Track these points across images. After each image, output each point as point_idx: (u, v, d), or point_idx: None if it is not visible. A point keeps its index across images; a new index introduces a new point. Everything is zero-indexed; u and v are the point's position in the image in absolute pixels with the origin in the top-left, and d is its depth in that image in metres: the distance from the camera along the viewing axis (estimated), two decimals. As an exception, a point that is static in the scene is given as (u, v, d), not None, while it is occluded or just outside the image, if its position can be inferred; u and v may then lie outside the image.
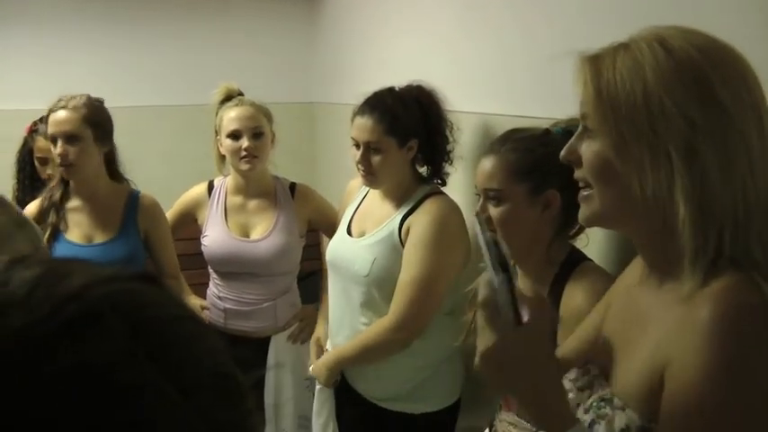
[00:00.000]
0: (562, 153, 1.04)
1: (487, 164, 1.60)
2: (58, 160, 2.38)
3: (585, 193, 1.02)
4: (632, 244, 1.06)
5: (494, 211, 1.58)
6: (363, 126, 2.09)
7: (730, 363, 0.84)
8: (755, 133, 0.90)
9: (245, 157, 2.50)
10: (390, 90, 2.15)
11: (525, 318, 0.97)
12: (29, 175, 2.96)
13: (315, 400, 2.31)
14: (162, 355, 0.46)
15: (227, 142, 2.52)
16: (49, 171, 2.84)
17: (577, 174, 1.02)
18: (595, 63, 0.96)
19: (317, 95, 4.07)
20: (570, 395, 1.09)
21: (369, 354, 2.12)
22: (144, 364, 0.44)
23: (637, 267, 1.11)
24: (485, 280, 1.01)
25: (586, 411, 1.05)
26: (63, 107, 2.38)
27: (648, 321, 1.00)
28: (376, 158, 2.08)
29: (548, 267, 1.58)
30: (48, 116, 2.42)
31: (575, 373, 1.13)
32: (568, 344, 1.25)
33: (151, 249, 2.56)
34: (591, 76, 0.96)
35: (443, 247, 2.02)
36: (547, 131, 1.61)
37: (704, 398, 0.85)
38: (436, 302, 2.04)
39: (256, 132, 2.51)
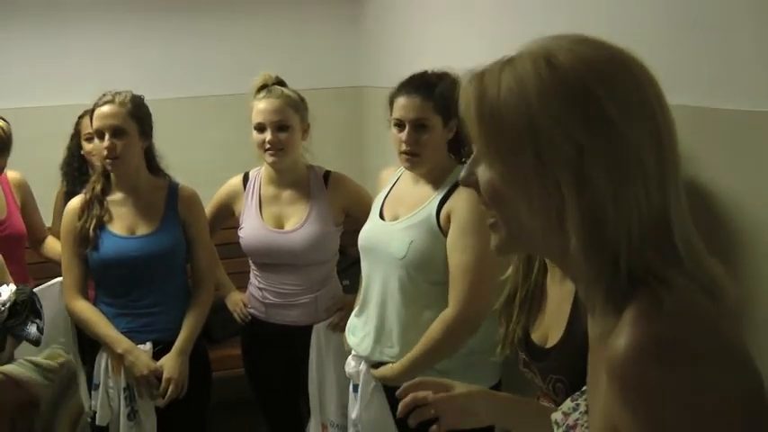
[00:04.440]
0: (461, 176, 0.96)
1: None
2: (104, 153, 2.42)
3: (491, 221, 0.95)
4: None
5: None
6: (410, 104, 2.08)
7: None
8: (650, 145, 0.83)
9: (269, 149, 2.51)
10: (428, 72, 2.15)
11: None
12: (77, 169, 3.04)
13: (360, 391, 2.25)
14: None
15: (254, 134, 2.54)
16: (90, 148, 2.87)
17: (481, 200, 0.95)
18: (480, 80, 0.88)
19: (364, 79, 4.04)
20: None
21: (441, 348, 2.10)
22: None
23: None
24: None
25: None
26: (109, 102, 2.43)
27: (595, 356, 0.94)
28: (424, 137, 2.09)
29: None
30: (93, 111, 2.46)
31: (568, 405, 1.08)
32: None
33: (188, 242, 2.59)
34: (474, 96, 0.87)
35: (488, 229, 1.98)
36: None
37: None
38: (492, 285, 2.01)
39: (280, 126, 2.51)
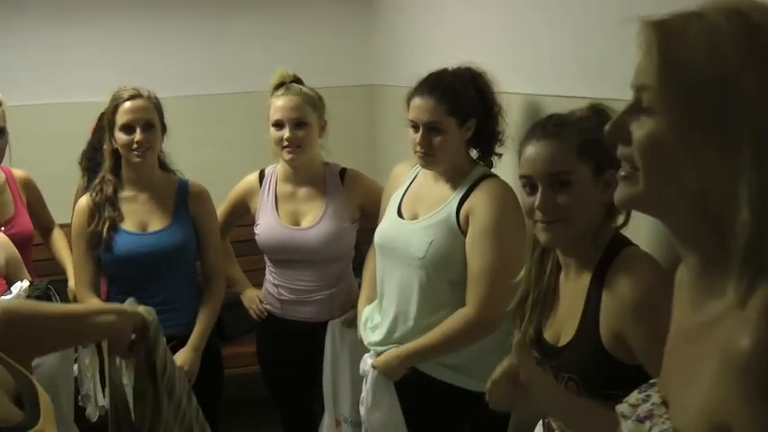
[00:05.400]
0: (607, 129, 0.90)
1: (547, 147, 1.53)
2: (134, 146, 2.42)
3: (625, 172, 0.89)
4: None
5: (561, 197, 1.52)
6: (424, 107, 2.08)
7: None
8: None
9: (286, 146, 2.52)
10: (446, 71, 2.14)
11: None
12: (99, 164, 3.04)
13: (370, 390, 2.25)
14: None
15: (272, 131, 2.55)
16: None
17: (622, 151, 0.89)
18: (664, 29, 0.83)
19: (376, 78, 4.05)
20: (628, 424, 1.01)
21: (452, 344, 2.11)
22: None
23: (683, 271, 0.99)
24: None
25: None
26: (137, 96, 2.44)
27: (698, 344, 0.87)
28: (437, 139, 2.07)
29: (592, 252, 1.53)
30: (115, 106, 2.45)
31: (635, 396, 1.04)
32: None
33: (198, 237, 2.59)
34: (658, 43, 0.82)
35: (509, 231, 2.01)
36: (598, 110, 1.58)
37: None
38: (511, 287, 2.01)
39: (298, 123, 2.51)
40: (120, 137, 2.43)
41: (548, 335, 1.58)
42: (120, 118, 2.43)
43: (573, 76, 2.03)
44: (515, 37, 2.44)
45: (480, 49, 2.55)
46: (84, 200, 2.53)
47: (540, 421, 1.65)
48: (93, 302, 2.43)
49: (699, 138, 0.80)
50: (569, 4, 2.08)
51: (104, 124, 2.79)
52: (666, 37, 0.82)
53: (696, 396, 0.84)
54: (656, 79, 0.82)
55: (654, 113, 0.84)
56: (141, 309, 1.59)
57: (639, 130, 0.86)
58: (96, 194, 2.50)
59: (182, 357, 2.43)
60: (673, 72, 0.81)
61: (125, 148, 2.45)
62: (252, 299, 2.76)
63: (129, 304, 1.64)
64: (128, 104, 2.42)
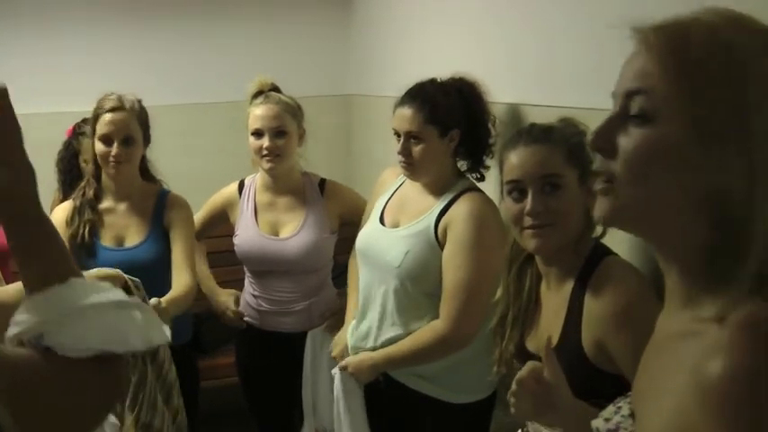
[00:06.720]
0: (592, 139, 0.86)
1: (538, 151, 1.54)
2: (110, 160, 2.38)
3: (602, 186, 0.85)
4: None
5: (552, 201, 1.52)
6: (404, 115, 2.08)
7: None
8: None
9: (266, 155, 2.51)
10: (432, 81, 2.14)
11: None
12: (76, 177, 3.00)
13: (341, 392, 2.26)
14: None
15: (251, 140, 2.54)
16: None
17: (602, 165, 0.85)
18: (667, 32, 0.81)
19: (352, 88, 4.05)
20: None
21: (421, 357, 2.10)
22: None
23: None
24: None
25: None
26: (118, 108, 2.37)
27: (670, 355, 0.85)
28: (417, 148, 2.07)
29: (574, 261, 1.54)
30: (96, 115, 2.40)
31: (609, 410, 1.03)
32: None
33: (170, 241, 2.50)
34: (664, 43, 0.80)
35: (486, 246, 2.00)
36: (572, 122, 1.60)
37: None
38: (486, 303, 2.01)
39: (278, 132, 2.51)
40: (99, 147, 2.40)
41: (530, 345, 1.59)
42: (100, 128, 2.39)
43: (555, 85, 2.04)
44: (493, 46, 2.45)
45: (458, 59, 2.57)
46: (64, 209, 2.49)
47: (519, 430, 1.65)
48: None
49: (710, 145, 0.77)
50: (537, 18, 2.10)
51: (84, 131, 2.76)
52: (672, 38, 0.80)
53: (661, 411, 0.82)
54: (664, 81, 0.79)
55: (654, 119, 0.81)
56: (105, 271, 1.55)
57: (629, 140, 0.82)
58: (76, 199, 2.47)
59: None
60: (683, 74, 0.78)
61: (102, 159, 2.42)
62: (223, 304, 2.67)
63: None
64: (107, 116, 2.37)
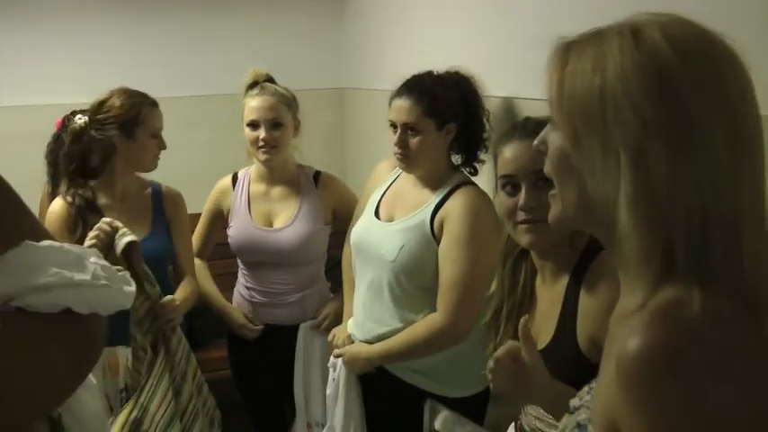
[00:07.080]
0: (535, 143, 0.97)
1: (532, 147, 1.52)
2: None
3: (552, 192, 0.95)
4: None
5: (546, 196, 1.50)
6: (401, 107, 2.07)
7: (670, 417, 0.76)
8: (723, 144, 0.80)
9: (262, 147, 2.50)
10: (429, 73, 2.14)
11: None
12: (76, 173, 2.97)
13: (339, 381, 2.25)
14: None
15: (247, 131, 2.53)
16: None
17: (545, 169, 0.95)
18: (565, 51, 0.89)
19: (346, 81, 4.04)
20: (565, 416, 1.06)
21: (417, 350, 2.11)
22: None
23: None
24: None
25: None
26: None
27: (611, 339, 0.92)
28: (413, 140, 2.07)
29: (570, 255, 1.54)
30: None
31: (584, 389, 1.06)
32: None
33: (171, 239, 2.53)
34: (557, 65, 0.90)
35: (483, 240, 2.00)
36: None
37: None
38: (482, 297, 2.01)
39: (274, 123, 2.50)
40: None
41: (525, 340, 1.58)
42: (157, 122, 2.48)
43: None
44: (488, 40, 2.44)
45: (453, 52, 2.56)
46: (60, 205, 2.39)
47: (513, 423, 1.65)
48: None
49: (586, 148, 0.86)
50: (533, 12, 2.10)
51: (79, 125, 2.73)
52: (565, 59, 0.89)
53: (599, 390, 0.91)
54: (554, 97, 0.90)
55: (557, 128, 0.91)
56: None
57: (551, 145, 0.92)
58: (74, 199, 2.37)
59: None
60: (565, 90, 0.88)
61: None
62: (236, 321, 2.63)
63: None
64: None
